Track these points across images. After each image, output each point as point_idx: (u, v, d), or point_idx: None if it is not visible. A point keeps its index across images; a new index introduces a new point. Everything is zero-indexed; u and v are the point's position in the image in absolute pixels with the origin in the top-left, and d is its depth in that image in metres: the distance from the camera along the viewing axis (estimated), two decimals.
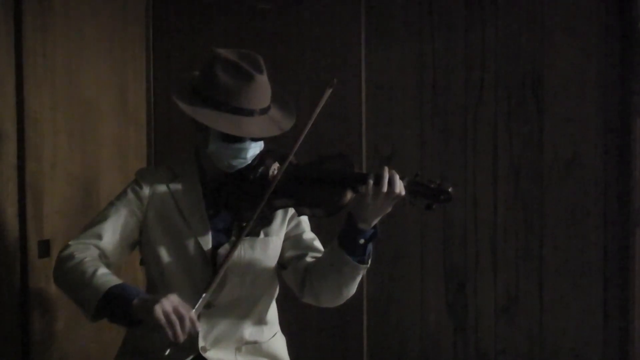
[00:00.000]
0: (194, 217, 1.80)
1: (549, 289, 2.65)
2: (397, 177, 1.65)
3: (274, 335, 1.94)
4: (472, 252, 2.71)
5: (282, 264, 1.88)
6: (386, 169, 1.66)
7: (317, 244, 1.91)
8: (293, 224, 1.90)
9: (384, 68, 2.75)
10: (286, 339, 1.99)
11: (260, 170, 1.78)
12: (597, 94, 2.59)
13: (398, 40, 2.74)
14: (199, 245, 1.79)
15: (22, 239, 2.16)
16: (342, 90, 2.69)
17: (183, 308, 1.54)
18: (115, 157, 2.60)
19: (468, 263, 2.71)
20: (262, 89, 1.74)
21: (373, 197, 1.65)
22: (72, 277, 1.66)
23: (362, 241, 1.71)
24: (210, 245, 1.79)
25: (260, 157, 1.80)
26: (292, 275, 1.86)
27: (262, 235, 1.83)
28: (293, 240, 1.89)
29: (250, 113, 1.72)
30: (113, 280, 1.62)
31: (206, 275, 1.76)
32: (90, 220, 1.82)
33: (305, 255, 1.86)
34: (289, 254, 1.88)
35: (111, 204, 1.82)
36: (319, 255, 1.85)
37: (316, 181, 1.74)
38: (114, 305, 1.57)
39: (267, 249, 1.84)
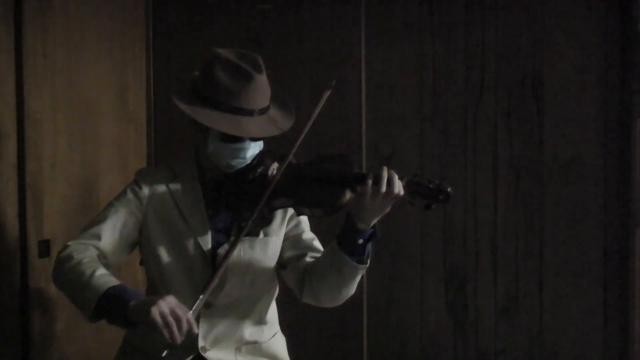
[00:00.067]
0: (194, 217, 1.80)
1: (549, 289, 2.65)
2: (396, 177, 1.65)
3: (274, 335, 1.94)
4: (472, 252, 2.71)
5: (281, 264, 1.88)
6: (385, 169, 1.66)
7: (317, 243, 1.90)
8: (292, 224, 1.90)
9: (384, 68, 2.75)
10: (286, 339, 1.99)
11: (259, 170, 1.78)
12: (597, 94, 2.60)
13: (398, 40, 2.74)
14: (198, 245, 1.79)
15: (22, 239, 2.16)
16: (342, 90, 2.70)
17: (180, 309, 1.54)
18: (115, 157, 2.60)
19: (468, 263, 2.71)
20: (261, 89, 1.74)
21: (372, 197, 1.64)
22: (71, 278, 1.66)
23: (361, 241, 1.70)
24: (209, 245, 1.79)
25: (260, 157, 1.79)
26: (292, 275, 1.85)
27: (261, 235, 1.83)
28: (292, 240, 1.89)
29: (249, 113, 1.72)
30: (111, 281, 1.62)
31: (206, 275, 1.75)
32: (90, 220, 1.82)
33: (305, 255, 1.86)
34: (289, 254, 1.88)
35: (110, 205, 1.82)
36: (319, 255, 1.85)
37: (315, 181, 1.73)
38: (112, 307, 1.57)
39: (267, 249, 1.84)
